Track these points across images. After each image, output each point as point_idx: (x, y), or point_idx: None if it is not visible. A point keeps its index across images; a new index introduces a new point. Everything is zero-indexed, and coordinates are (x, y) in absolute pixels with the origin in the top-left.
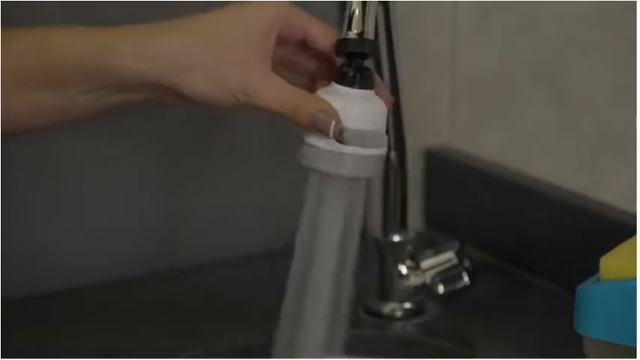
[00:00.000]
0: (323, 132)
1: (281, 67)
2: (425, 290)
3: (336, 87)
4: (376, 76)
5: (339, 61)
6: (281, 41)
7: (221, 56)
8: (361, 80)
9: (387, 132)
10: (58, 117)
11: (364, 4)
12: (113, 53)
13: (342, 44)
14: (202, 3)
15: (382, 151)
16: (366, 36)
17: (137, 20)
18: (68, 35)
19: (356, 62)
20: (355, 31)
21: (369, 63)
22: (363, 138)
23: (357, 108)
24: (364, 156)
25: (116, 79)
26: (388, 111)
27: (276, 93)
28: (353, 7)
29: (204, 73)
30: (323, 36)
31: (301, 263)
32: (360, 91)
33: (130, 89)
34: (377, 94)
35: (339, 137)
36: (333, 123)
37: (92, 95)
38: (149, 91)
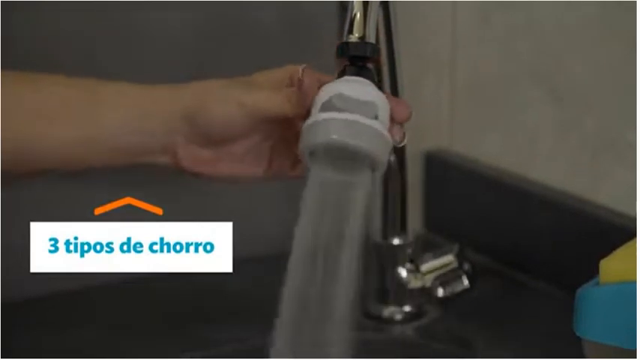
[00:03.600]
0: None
1: None
2: (425, 293)
3: (337, 79)
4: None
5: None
6: None
7: (246, 92)
8: (357, 71)
9: None
10: (83, 156)
11: (365, 7)
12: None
13: (343, 48)
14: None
15: (376, 125)
16: (367, 39)
17: (134, 18)
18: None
19: (357, 65)
20: (357, 35)
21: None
22: (347, 102)
23: (347, 83)
24: (349, 121)
25: (151, 109)
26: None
27: (278, 95)
28: (354, 11)
29: (261, 92)
30: None
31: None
32: (358, 77)
33: (155, 127)
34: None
35: (324, 106)
36: (300, 91)
37: (120, 130)
38: (174, 127)
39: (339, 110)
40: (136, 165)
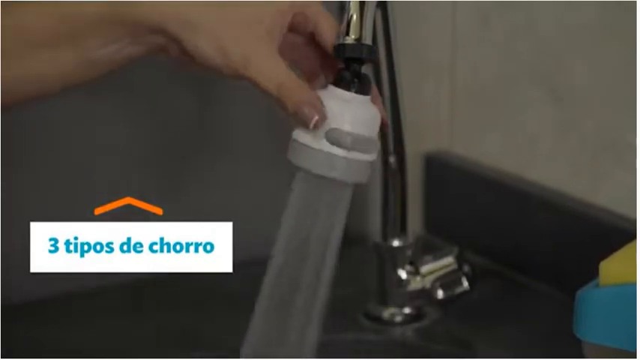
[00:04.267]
0: (303, 123)
1: (285, 55)
2: (424, 295)
3: (333, 89)
4: (374, 89)
5: (339, 63)
6: (292, 28)
7: (230, 26)
8: (358, 85)
9: (387, 136)
10: (77, 76)
11: (362, 8)
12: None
13: (339, 49)
14: None
15: (373, 157)
16: (363, 41)
17: None
18: None
19: (353, 67)
20: (353, 36)
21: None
22: (356, 142)
23: (352, 111)
24: (354, 160)
25: (130, 26)
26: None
27: (273, 73)
28: (351, 12)
29: (209, 35)
30: (330, 33)
31: (283, 265)
32: (357, 95)
33: (141, 40)
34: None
35: (332, 138)
36: (316, 117)
37: (107, 49)
38: (159, 41)
39: (347, 149)
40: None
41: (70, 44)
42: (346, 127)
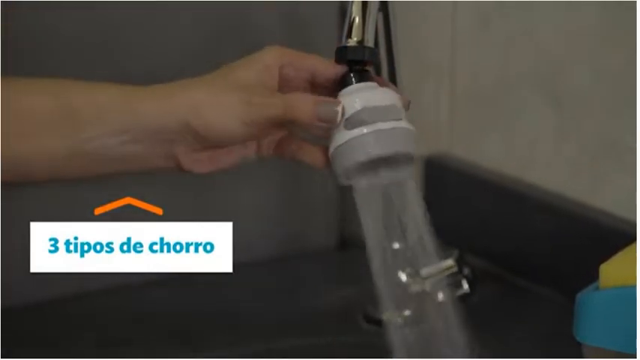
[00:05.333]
0: (329, 120)
1: None
2: (425, 298)
3: (338, 93)
4: (379, 78)
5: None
6: (287, 81)
7: (227, 93)
8: (357, 77)
9: None
10: (72, 167)
11: (364, 11)
12: (136, 98)
13: (341, 52)
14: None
15: (403, 124)
16: (365, 43)
17: (135, 19)
18: (87, 83)
19: (355, 69)
20: (355, 39)
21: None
22: (372, 113)
23: (359, 94)
24: (383, 130)
25: (138, 123)
26: None
27: (271, 100)
28: (353, 15)
29: (213, 109)
30: (331, 69)
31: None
32: (360, 84)
33: (148, 137)
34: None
35: (351, 123)
36: (338, 104)
37: (108, 142)
38: (168, 138)
39: (368, 123)
40: (138, 173)
41: (69, 130)
42: (357, 107)
